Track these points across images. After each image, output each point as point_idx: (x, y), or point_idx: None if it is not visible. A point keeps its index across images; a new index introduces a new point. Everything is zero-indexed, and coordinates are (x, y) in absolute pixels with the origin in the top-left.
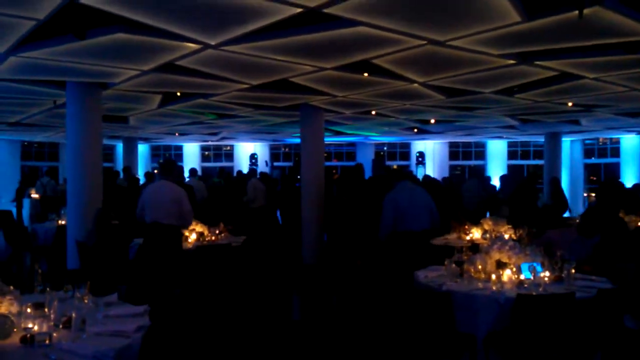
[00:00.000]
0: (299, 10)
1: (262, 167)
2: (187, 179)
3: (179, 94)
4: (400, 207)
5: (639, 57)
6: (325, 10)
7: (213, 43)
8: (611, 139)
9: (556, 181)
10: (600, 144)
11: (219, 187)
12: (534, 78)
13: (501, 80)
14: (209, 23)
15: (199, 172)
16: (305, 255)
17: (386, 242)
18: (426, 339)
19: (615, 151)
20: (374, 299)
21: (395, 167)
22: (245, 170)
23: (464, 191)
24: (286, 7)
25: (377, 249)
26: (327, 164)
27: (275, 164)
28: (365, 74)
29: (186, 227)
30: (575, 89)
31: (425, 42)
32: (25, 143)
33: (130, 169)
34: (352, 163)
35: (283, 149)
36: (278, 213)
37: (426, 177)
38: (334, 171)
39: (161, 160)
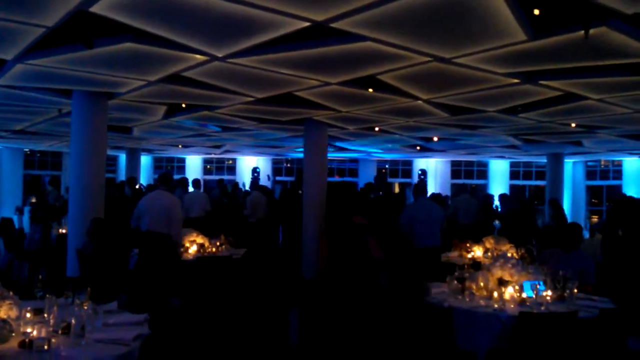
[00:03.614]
0: (307, 24)
1: (264, 181)
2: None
3: (184, 105)
4: (417, 223)
5: None
6: (332, 25)
7: (220, 55)
8: (613, 161)
9: (555, 202)
10: (603, 166)
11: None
12: (538, 98)
13: (506, 99)
14: (217, 35)
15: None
16: (305, 269)
17: (406, 259)
18: (427, 355)
19: (618, 173)
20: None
21: (395, 184)
22: (244, 184)
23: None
24: (293, 21)
25: (398, 264)
26: (329, 179)
27: (278, 178)
28: (370, 90)
29: (173, 236)
30: (578, 110)
31: (430, 58)
32: (28, 151)
33: (134, 179)
34: (354, 179)
35: (285, 164)
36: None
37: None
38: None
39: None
